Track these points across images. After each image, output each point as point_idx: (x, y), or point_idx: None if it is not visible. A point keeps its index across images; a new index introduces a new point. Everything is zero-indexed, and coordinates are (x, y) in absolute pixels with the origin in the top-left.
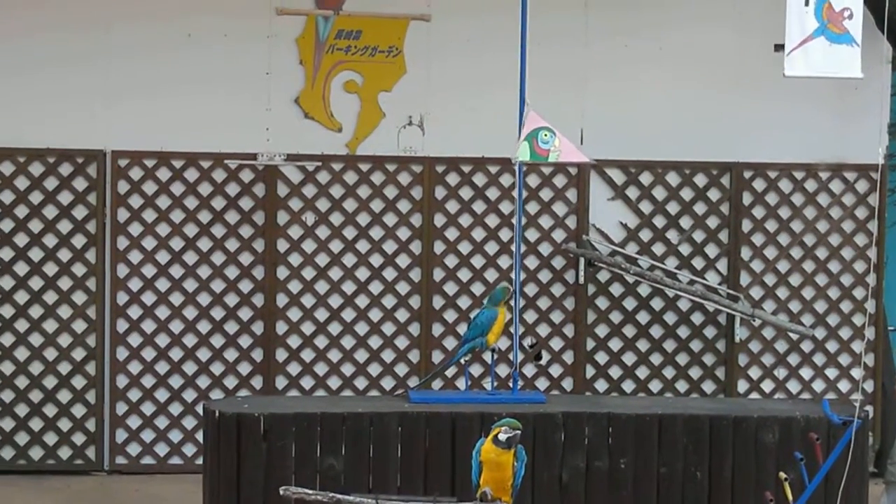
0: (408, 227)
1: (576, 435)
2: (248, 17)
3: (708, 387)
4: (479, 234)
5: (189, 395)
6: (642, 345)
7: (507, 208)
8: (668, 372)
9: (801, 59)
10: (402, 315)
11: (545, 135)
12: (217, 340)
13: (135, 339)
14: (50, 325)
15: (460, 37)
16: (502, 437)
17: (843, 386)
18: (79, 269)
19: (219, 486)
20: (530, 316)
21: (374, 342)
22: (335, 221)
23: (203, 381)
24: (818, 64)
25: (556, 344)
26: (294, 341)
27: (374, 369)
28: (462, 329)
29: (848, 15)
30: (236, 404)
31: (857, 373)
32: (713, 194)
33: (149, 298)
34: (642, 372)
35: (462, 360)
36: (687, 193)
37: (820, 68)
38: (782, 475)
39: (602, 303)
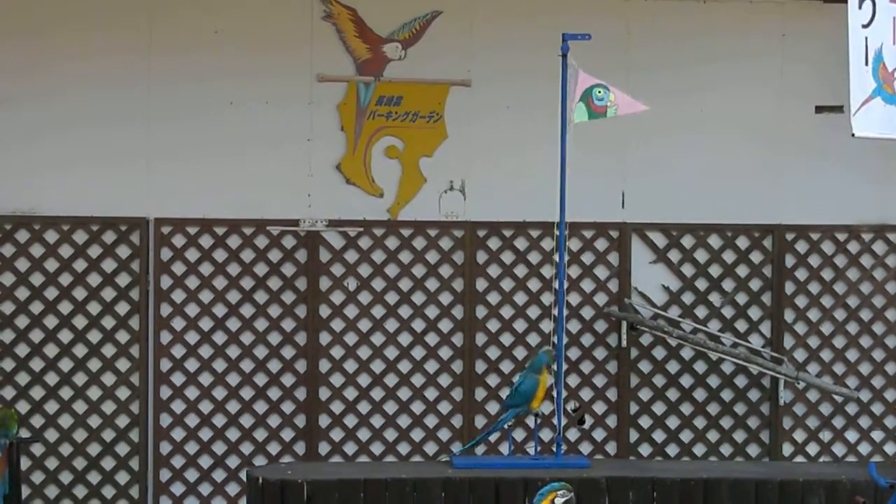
0: (450, 291)
1: (620, 500)
2: (289, 83)
3: (752, 450)
4: (520, 298)
5: (232, 462)
6: (686, 408)
7: (548, 272)
8: (713, 435)
9: (864, 119)
10: (444, 380)
11: (599, 92)
12: (260, 406)
13: (178, 406)
14: (94, 393)
15: (501, 102)
16: (559, 500)
17: (890, 448)
18: (122, 337)
19: None
20: (573, 380)
21: (417, 407)
22: (377, 287)
23: (246, 448)
24: (878, 125)
25: (600, 408)
26: (337, 407)
27: (416, 434)
28: (505, 393)
29: None
30: (280, 470)
31: None
32: (755, 257)
33: (192, 365)
34: (686, 436)
35: (505, 426)
36: (729, 256)
37: (880, 129)
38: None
39: (645, 366)
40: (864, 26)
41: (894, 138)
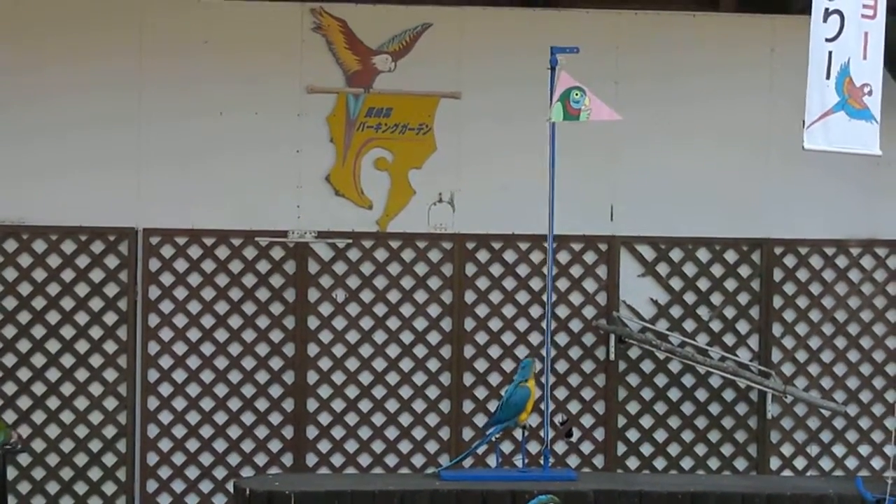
0: (438, 303)
1: None
2: (279, 94)
3: (740, 464)
4: (509, 310)
5: (219, 473)
6: (674, 422)
7: (537, 285)
8: (700, 449)
9: (820, 132)
10: (432, 392)
11: (576, 94)
12: (248, 418)
13: (165, 417)
14: (81, 403)
15: (490, 114)
16: None
17: (877, 463)
18: (110, 347)
19: None
20: (561, 392)
21: (405, 419)
22: (365, 298)
23: (233, 459)
24: (837, 139)
25: (587, 421)
26: (324, 418)
27: (404, 446)
28: (493, 406)
29: (868, 91)
30: (267, 482)
31: (890, 450)
32: (744, 271)
33: (179, 376)
34: (674, 449)
35: (493, 438)
36: (717, 270)
37: (839, 143)
38: None
39: (633, 379)
40: (829, 40)
41: (857, 153)
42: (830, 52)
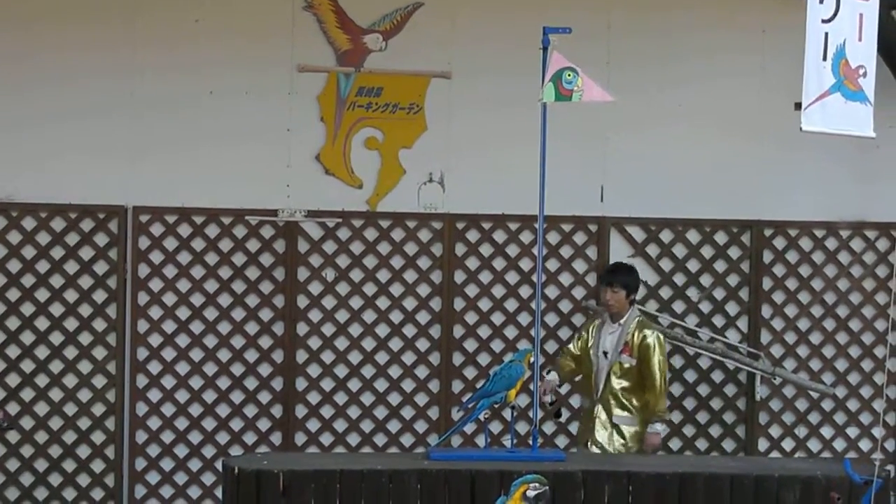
0: (428, 283)
1: (595, 493)
2: (270, 73)
3: (728, 445)
4: (498, 291)
5: (208, 452)
6: None
7: (527, 265)
8: (688, 430)
9: (818, 114)
10: (421, 372)
11: (569, 75)
12: (237, 396)
13: (154, 395)
14: (70, 381)
15: (481, 94)
16: (531, 493)
17: (864, 445)
18: (99, 325)
19: None
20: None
21: (394, 399)
22: (355, 278)
23: (222, 438)
24: (834, 120)
25: (576, 401)
26: (314, 398)
27: (393, 426)
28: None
29: (863, 73)
30: (256, 461)
31: (878, 432)
32: (734, 252)
33: (169, 354)
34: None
35: (482, 417)
36: (707, 251)
37: (835, 125)
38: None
39: None
40: (825, 21)
41: (852, 135)
42: (826, 34)
